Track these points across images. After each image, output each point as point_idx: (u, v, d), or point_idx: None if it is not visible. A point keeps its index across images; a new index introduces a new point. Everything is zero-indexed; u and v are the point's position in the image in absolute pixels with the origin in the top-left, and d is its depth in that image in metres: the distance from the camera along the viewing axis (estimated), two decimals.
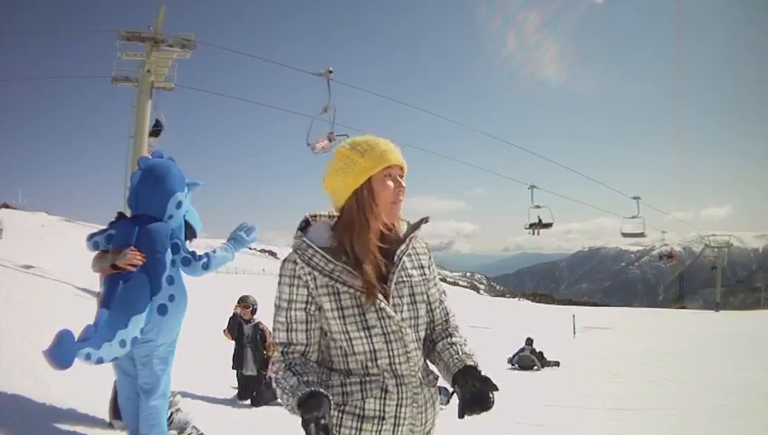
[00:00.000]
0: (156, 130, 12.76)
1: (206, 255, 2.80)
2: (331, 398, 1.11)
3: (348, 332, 1.19)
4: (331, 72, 12.71)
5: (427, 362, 1.35)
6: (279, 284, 1.23)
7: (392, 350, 1.21)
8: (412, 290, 1.26)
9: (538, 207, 18.58)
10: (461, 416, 1.15)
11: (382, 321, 1.19)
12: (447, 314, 1.38)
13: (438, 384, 1.37)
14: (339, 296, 1.18)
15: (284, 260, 1.24)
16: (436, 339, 1.35)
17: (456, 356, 1.27)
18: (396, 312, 1.21)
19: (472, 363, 1.24)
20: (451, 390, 1.25)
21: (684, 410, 5.59)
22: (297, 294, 1.20)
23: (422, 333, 1.29)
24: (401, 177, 1.25)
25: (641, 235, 24.38)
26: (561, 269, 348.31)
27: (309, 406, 1.06)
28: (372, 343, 1.20)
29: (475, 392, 1.15)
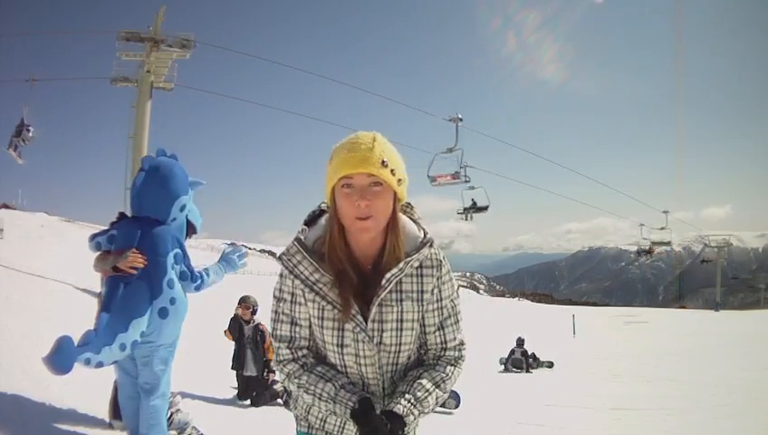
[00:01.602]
0: (19, 131, 12.68)
1: (201, 276, 2.81)
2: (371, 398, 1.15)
3: (324, 340, 1.19)
4: (461, 119, 14.08)
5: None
6: (281, 275, 1.20)
7: (362, 372, 1.20)
8: (401, 316, 1.17)
9: (472, 188, 16.47)
10: None
11: (357, 343, 1.16)
12: (445, 342, 1.24)
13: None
14: (323, 306, 1.16)
15: (279, 257, 1.21)
16: (424, 362, 1.26)
17: (397, 397, 1.15)
18: (373, 336, 1.16)
19: (399, 412, 1.11)
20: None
21: (684, 409, 5.59)
22: (297, 287, 1.18)
23: (403, 359, 1.23)
24: (376, 184, 1.08)
25: (668, 243, 27.76)
26: (560, 269, 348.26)
27: (371, 420, 1.09)
28: (344, 360, 1.19)
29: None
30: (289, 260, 1.17)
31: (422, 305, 1.20)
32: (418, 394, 1.15)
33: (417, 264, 1.18)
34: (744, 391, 6.49)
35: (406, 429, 1.12)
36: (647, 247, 27.51)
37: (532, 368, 10.02)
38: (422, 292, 1.19)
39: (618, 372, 9.05)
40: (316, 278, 1.15)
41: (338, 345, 1.17)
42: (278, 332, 1.22)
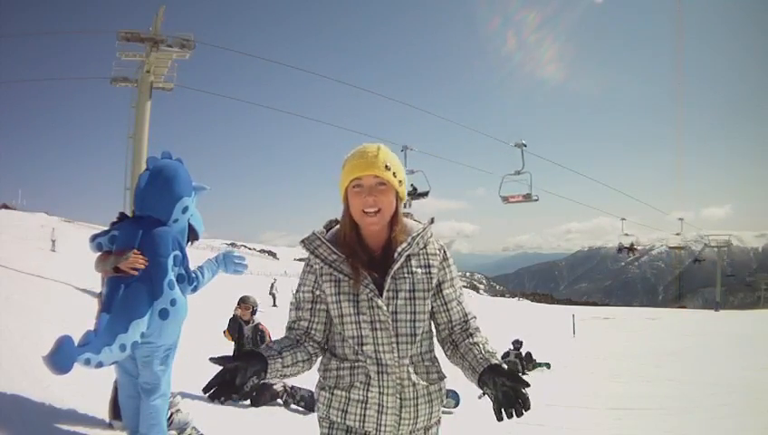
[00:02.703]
0: None
1: (197, 278, 2.82)
2: (272, 364, 1.24)
3: (342, 316, 1.31)
4: (525, 144, 15.62)
5: (433, 362, 1.38)
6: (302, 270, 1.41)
7: (377, 337, 1.29)
8: (413, 286, 1.31)
9: (411, 172, 15.75)
10: (499, 418, 1.12)
11: (372, 310, 1.29)
12: (466, 314, 1.40)
13: (447, 387, 1.41)
14: (339, 284, 1.31)
15: (301, 241, 1.40)
16: (456, 340, 1.38)
17: (480, 356, 1.28)
18: (388, 304, 1.29)
19: (496, 362, 1.25)
20: (478, 392, 1.26)
21: (684, 409, 5.59)
22: (307, 279, 1.37)
23: (420, 331, 1.33)
24: (381, 184, 1.29)
25: (684, 248, 33.04)
26: (560, 269, 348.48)
27: (241, 356, 1.21)
28: (360, 328, 1.30)
29: (507, 392, 1.13)
30: (311, 243, 1.36)
31: (430, 278, 1.34)
32: (492, 349, 1.31)
33: (422, 243, 1.35)
34: (743, 391, 6.49)
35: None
36: (628, 244, 27.30)
37: (528, 371, 9.62)
38: (429, 266, 1.35)
39: (618, 372, 9.04)
40: (333, 258, 1.32)
41: (355, 314, 1.29)
42: (288, 318, 1.41)
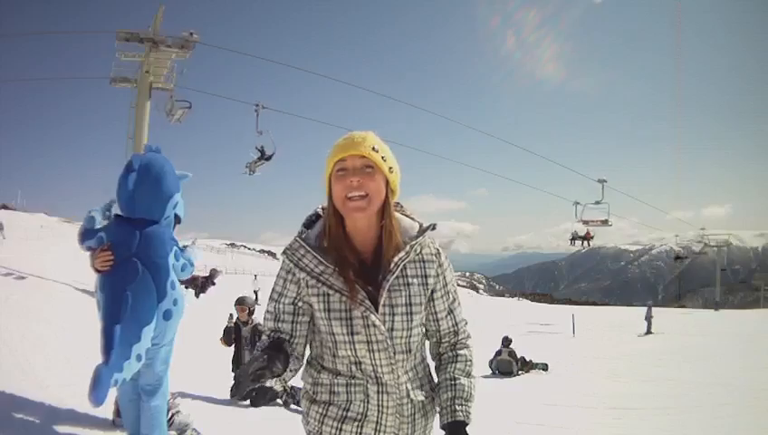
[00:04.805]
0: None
1: (192, 263, 2.84)
2: (284, 359, 1.14)
3: (334, 334, 1.19)
4: (605, 180, 18.00)
5: (425, 371, 1.33)
6: (277, 275, 1.25)
7: (375, 359, 1.19)
8: (409, 299, 1.21)
9: (260, 133, 14.25)
10: None
11: (367, 329, 1.17)
12: (457, 324, 1.32)
13: None
14: (328, 298, 1.18)
15: (283, 252, 1.25)
16: (442, 354, 1.33)
17: (448, 403, 1.23)
18: (384, 320, 1.18)
19: (461, 418, 1.20)
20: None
21: (684, 409, 5.58)
22: (288, 289, 1.22)
23: (414, 347, 1.25)
24: (368, 166, 1.15)
25: (704, 253, 36.20)
26: (560, 268, 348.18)
27: (260, 356, 1.07)
28: (355, 349, 1.19)
29: None
30: (293, 254, 1.20)
31: (426, 290, 1.24)
32: (464, 394, 1.25)
33: (419, 249, 1.23)
34: (743, 391, 6.48)
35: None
36: (583, 233, 22.97)
37: (522, 371, 9.33)
38: (426, 276, 1.24)
39: (618, 372, 9.03)
40: (321, 270, 1.18)
41: (348, 334, 1.18)
42: (264, 327, 1.27)
